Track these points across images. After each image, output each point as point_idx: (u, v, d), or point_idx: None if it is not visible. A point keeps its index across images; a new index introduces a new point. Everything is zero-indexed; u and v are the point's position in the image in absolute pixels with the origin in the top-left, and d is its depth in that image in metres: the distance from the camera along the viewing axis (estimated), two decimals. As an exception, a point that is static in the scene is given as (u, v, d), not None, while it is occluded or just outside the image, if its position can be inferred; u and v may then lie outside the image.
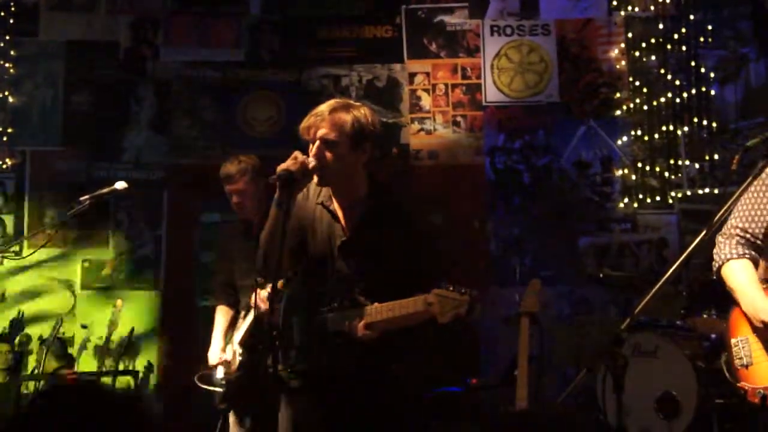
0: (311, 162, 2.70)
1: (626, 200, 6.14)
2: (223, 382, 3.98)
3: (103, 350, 5.61)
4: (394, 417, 2.78)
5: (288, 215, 2.72)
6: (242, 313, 4.03)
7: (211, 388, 4.02)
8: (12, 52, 6.09)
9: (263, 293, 3.49)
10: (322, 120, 2.76)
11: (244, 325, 3.95)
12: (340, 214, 2.86)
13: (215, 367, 4.01)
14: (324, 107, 2.81)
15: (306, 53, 6.34)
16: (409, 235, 2.79)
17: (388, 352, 2.77)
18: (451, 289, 2.50)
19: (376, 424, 2.76)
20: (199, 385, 4.07)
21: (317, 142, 2.75)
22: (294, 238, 2.86)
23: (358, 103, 2.88)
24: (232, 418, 4.01)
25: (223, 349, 4.04)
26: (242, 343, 3.93)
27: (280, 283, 2.84)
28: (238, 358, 3.91)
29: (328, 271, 2.85)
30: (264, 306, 3.51)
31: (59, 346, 5.61)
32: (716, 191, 6.03)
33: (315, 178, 2.75)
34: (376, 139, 2.85)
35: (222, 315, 4.17)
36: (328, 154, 2.74)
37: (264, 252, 2.80)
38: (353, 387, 2.76)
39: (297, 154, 2.69)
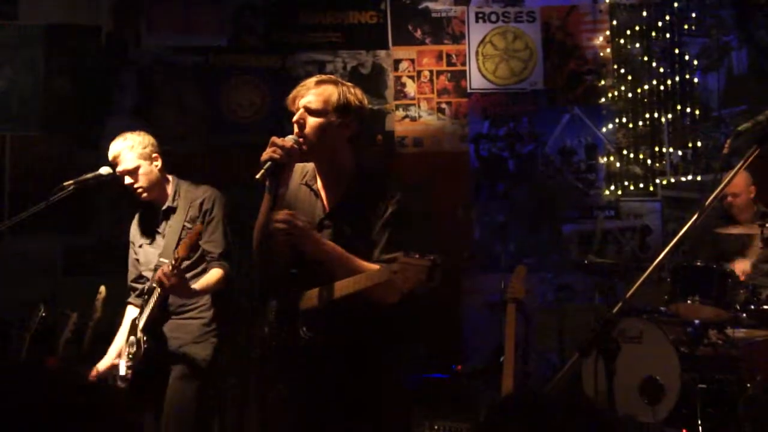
0: (289, 141, 2.66)
1: (610, 187, 6.17)
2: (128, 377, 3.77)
3: (85, 337, 5.55)
4: (371, 396, 2.74)
5: (282, 199, 2.71)
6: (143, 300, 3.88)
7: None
8: (-10, 37, 6.00)
9: (165, 268, 3.39)
10: (307, 90, 2.75)
11: (146, 311, 3.76)
12: (322, 192, 2.84)
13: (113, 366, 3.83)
14: (312, 78, 2.81)
15: (290, 39, 6.29)
16: (386, 215, 2.72)
17: (363, 328, 2.72)
18: (416, 256, 2.41)
19: (350, 402, 2.72)
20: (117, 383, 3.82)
21: (300, 110, 2.73)
22: None
23: (349, 83, 2.85)
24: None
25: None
26: (146, 329, 3.75)
27: None
28: (144, 346, 3.73)
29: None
30: (171, 281, 3.35)
31: (40, 333, 5.54)
32: (699, 178, 6.08)
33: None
34: (362, 116, 2.81)
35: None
36: (310, 121, 2.71)
37: (256, 239, 2.77)
38: (325, 364, 2.72)
39: (274, 139, 2.65)
